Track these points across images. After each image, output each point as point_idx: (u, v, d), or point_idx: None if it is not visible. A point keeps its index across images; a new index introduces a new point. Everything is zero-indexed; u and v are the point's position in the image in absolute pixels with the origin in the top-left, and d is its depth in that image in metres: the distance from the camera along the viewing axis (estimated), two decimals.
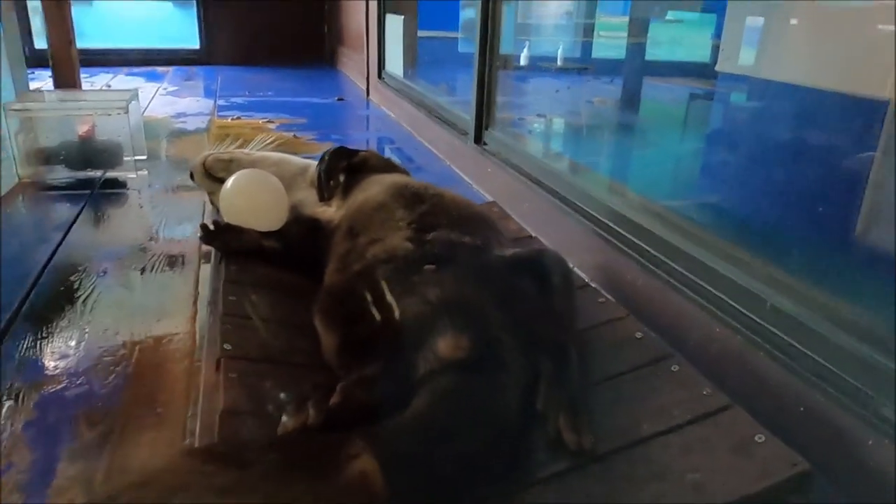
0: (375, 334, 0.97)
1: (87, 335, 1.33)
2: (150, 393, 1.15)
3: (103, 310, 1.44)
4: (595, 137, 3.44)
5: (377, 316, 0.99)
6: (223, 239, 1.31)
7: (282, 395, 0.91)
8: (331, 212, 1.38)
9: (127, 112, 2.25)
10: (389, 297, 1.00)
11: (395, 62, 3.87)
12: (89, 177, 2.32)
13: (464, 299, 0.98)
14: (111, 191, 2.26)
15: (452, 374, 0.88)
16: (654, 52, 4.16)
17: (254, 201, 1.35)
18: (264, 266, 1.30)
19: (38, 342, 1.30)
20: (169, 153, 2.81)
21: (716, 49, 2.38)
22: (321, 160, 1.45)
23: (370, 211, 1.23)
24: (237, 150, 1.54)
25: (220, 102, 3.92)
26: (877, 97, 1.51)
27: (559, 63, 5.43)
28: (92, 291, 1.51)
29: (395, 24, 3.84)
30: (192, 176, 1.55)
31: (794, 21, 1.96)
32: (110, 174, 2.37)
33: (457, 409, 0.85)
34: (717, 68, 2.33)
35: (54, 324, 1.37)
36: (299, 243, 1.33)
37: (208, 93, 4.35)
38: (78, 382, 1.17)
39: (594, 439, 0.86)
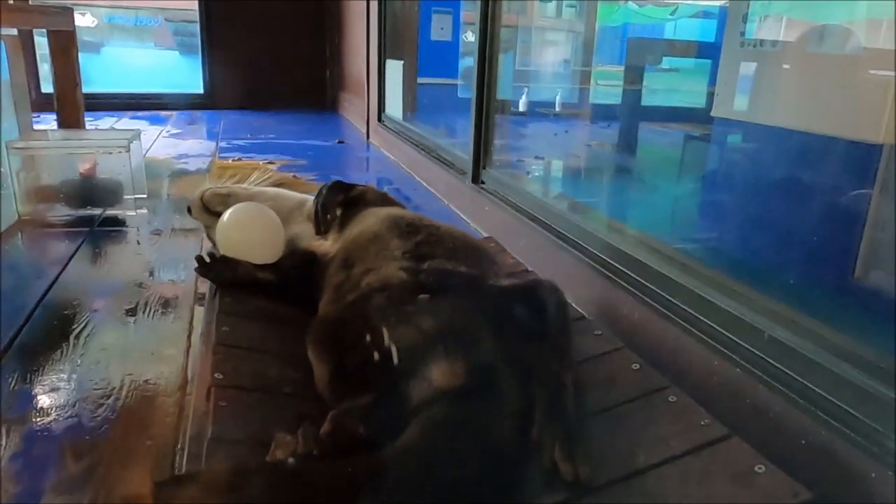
0: (369, 364, 0.96)
1: (78, 369, 1.31)
2: (140, 426, 1.13)
3: (95, 345, 1.42)
4: (593, 178, 3.48)
5: (371, 346, 0.98)
6: (218, 271, 1.30)
7: (273, 426, 0.89)
8: (327, 245, 1.38)
9: (129, 151, 2.27)
10: (383, 327, 0.99)
11: (394, 106, 3.94)
12: (89, 215, 2.33)
13: (458, 328, 0.97)
14: (110, 228, 2.27)
15: (447, 403, 0.87)
16: (650, 99, 4.24)
17: (250, 234, 1.35)
18: (259, 299, 1.29)
19: (28, 375, 1.28)
20: (170, 192, 2.83)
21: (711, 95, 2.43)
22: (318, 194, 1.46)
23: (365, 242, 1.23)
24: (235, 184, 1.56)
25: (222, 144, 3.97)
26: (868, 141, 1.53)
27: (557, 109, 5.52)
28: (85, 326, 1.50)
29: (394, 69, 3.92)
30: (189, 210, 1.56)
31: (786, 67, 1.99)
32: (110, 212, 2.38)
33: (451, 437, 0.84)
34: (712, 113, 2.36)
35: (45, 358, 1.35)
36: (295, 276, 1.33)
37: (211, 135, 4.41)
38: (67, 415, 1.15)
39: (590, 470, 0.84)
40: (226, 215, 1.35)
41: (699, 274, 1.35)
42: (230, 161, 3.48)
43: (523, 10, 5.87)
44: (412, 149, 3.36)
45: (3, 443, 1.07)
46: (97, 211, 2.36)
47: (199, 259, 1.29)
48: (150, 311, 1.61)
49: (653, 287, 1.40)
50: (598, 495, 0.82)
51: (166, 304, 1.65)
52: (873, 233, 1.47)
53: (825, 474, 0.92)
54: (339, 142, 4.29)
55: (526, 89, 5.38)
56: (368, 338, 0.99)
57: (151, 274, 1.86)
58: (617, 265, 1.54)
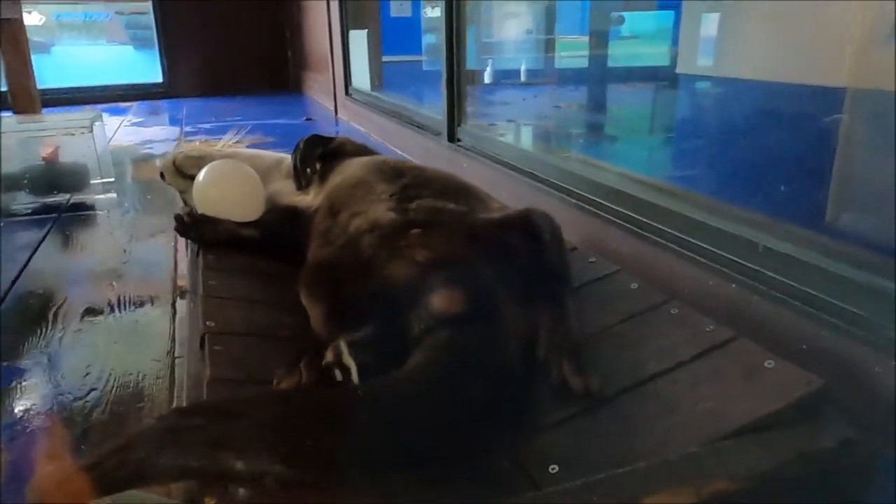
0: (365, 301, 0.93)
1: (60, 343, 1.27)
2: (131, 392, 1.10)
3: (76, 321, 1.37)
4: (568, 131, 3.48)
5: (366, 283, 0.95)
6: (198, 230, 1.26)
7: (273, 366, 0.87)
8: (309, 199, 1.34)
9: (91, 131, 2.20)
10: (377, 263, 0.96)
11: (361, 77, 3.87)
12: (56, 201, 2.26)
13: (454, 257, 0.95)
14: (79, 213, 2.20)
15: (449, 328, 0.85)
16: (616, 62, 4.26)
17: (228, 191, 1.31)
18: (243, 255, 1.26)
19: (9, 354, 1.23)
20: (138, 176, 2.75)
21: (675, 55, 2.43)
22: (296, 148, 1.42)
23: (350, 188, 1.20)
24: (207, 146, 1.51)
25: (187, 129, 3.88)
26: (830, 85, 1.52)
27: (523, 78, 5.51)
28: (63, 304, 1.45)
29: (359, 39, 3.85)
30: (162, 175, 1.50)
31: (746, 18, 1.98)
32: (77, 197, 2.31)
33: (457, 359, 0.81)
34: (677, 70, 2.35)
35: (24, 337, 1.30)
36: (278, 231, 1.29)
37: (174, 121, 4.30)
38: (55, 389, 1.11)
39: (600, 382, 0.83)
40: (202, 174, 1.31)
41: (686, 198, 1.34)
42: (197, 143, 3.39)
43: None
44: (383, 118, 3.31)
45: None
46: (64, 197, 2.29)
47: (179, 218, 1.25)
48: (128, 286, 1.56)
49: (640, 217, 1.39)
50: (611, 404, 0.81)
51: (146, 281, 1.60)
52: (841, 176, 1.47)
53: (830, 375, 0.92)
54: (307, 119, 4.22)
55: (490, 60, 5.35)
56: (363, 276, 0.97)
57: (125, 259, 1.80)
58: (603, 202, 1.52)
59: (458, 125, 2.36)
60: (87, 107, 5.10)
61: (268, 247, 1.28)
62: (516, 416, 0.80)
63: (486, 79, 5.09)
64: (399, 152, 3.03)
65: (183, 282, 1.51)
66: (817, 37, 1.64)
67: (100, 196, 2.32)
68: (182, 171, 1.46)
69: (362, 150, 1.46)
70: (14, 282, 1.58)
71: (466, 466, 0.72)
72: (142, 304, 1.44)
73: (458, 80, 2.32)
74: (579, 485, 0.65)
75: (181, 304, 1.39)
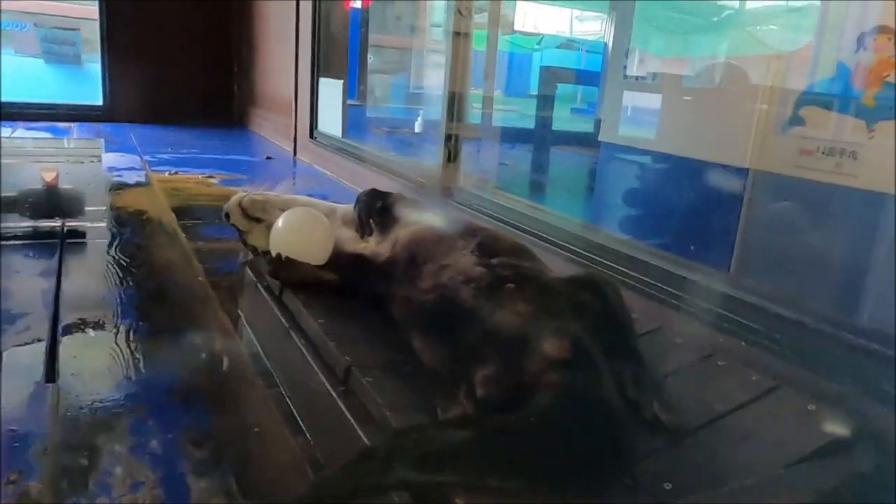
0: (481, 342, 1.10)
1: (140, 367, 1.33)
2: (235, 418, 1.19)
3: (150, 346, 1.43)
4: (536, 189, 3.75)
5: (477, 329, 1.12)
6: (287, 271, 1.38)
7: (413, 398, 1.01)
8: (371, 246, 1.50)
9: (101, 161, 2.22)
10: (482, 313, 1.14)
11: (332, 123, 4.01)
12: (51, 226, 2.24)
13: (551, 310, 1.13)
14: (79, 241, 2.20)
15: (561, 372, 1.03)
16: (547, 124, 4.64)
17: (306, 237, 1.44)
18: (323, 295, 1.38)
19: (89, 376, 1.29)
20: (119, 204, 2.74)
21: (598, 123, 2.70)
22: (358, 201, 1.58)
23: (430, 242, 1.36)
24: (268, 192, 1.63)
25: (148, 158, 3.83)
26: (736, 165, 1.80)
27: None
28: (120, 330, 1.50)
29: (331, 87, 4.00)
30: (227, 216, 1.60)
31: (662, 98, 2.26)
32: (70, 224, 2.30)
33: (574, 399, 0.99)
34: (599, 139, 2.62)
35: (101, 365, 1.36)
36: (353, 274, 1.43)
37: (127, 148, 4.22)
38: (172, 415, 1.18)
39: (685, 418, 1.04)
40: (281, 220, 1.43)
41: (682, 264, 1.60)
42: (167, 175, 3.40)
43: (414, 33, 6.11)
44: (356, 164, 3.46)
45: (112, 437, 1.09)
46: (57, 223, 2.27)
47: (274, 261, 1.37)
48: (176, 312, 1.63)
49: (629, 271, 1.63)
50: (693, 437, 1.01)
51: (187, 307, 1.67)
52: (745, 238, 1.75)
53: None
54: (268, 157, 4.29)
55: (421, 111, 5.60)
56: (470, 321, 1.13)
57: (146, 279, 1.86)
58: (601, 258, 1.76)
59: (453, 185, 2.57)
60: (22, 124, 4.90)
61: (344, 289, 1.42)
62: (627, 443, 0.98)
63: (417, 129, 5.34)
64: None
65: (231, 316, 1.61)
66: (727, 121, 1.93)
67: (95, 224, 2.32)
68: (247, 214, 1.57)
69: (415, 204, 1.63)
70: (56, 310, 1.60)
71: (602, 482, 0.90)
72: (208, 330, 1.52)
73: (455, 146, 2.54)
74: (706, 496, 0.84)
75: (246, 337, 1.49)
